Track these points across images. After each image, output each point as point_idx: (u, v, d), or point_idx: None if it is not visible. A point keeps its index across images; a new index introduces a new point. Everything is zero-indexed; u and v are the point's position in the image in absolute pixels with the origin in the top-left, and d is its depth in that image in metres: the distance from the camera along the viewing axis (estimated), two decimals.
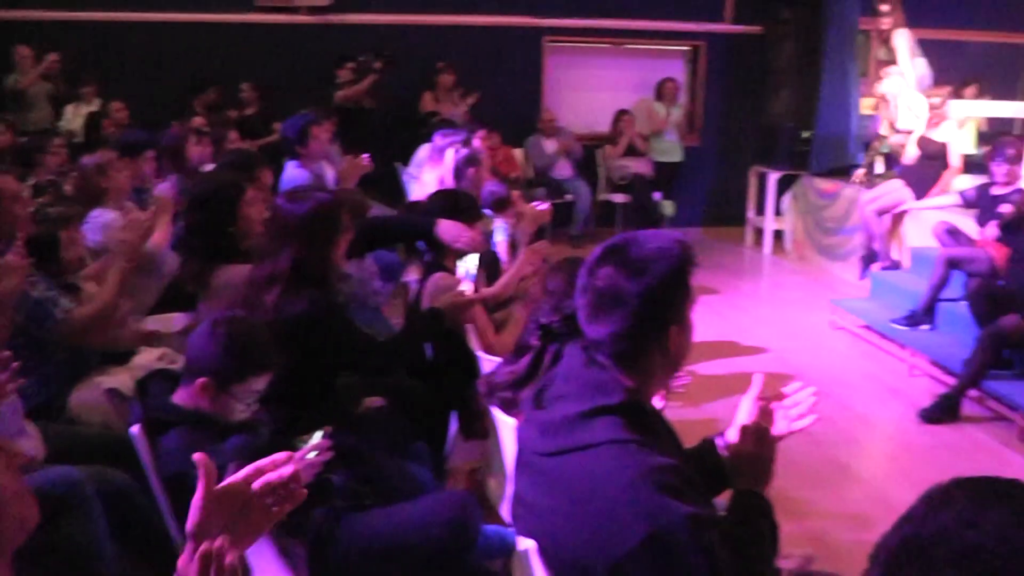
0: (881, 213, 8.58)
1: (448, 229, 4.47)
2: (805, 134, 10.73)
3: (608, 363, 2.19)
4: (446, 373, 4.31)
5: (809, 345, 7.63)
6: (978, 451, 5.76)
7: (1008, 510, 1.23)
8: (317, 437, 2.97)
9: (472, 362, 4.18)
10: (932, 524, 1.24)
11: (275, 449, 2.64)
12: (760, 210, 11.24)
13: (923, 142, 8.61)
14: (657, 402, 3.61)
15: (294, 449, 2.98)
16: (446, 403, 4.32)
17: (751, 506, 2.36)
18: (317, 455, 2.91)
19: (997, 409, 6.14)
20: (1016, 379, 6.18)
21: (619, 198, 11.20)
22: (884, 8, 9.58)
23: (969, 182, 8.17)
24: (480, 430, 4.13)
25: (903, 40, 9.41)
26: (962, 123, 10.55)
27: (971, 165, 8.92)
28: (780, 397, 2.52)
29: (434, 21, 10.93)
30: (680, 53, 12.17)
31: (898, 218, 8.59)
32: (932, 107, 8.60)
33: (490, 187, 6.20)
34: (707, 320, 8.00)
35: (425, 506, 3.23)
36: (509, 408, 3.18)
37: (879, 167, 10.16)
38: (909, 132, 8.80)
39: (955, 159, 8.45)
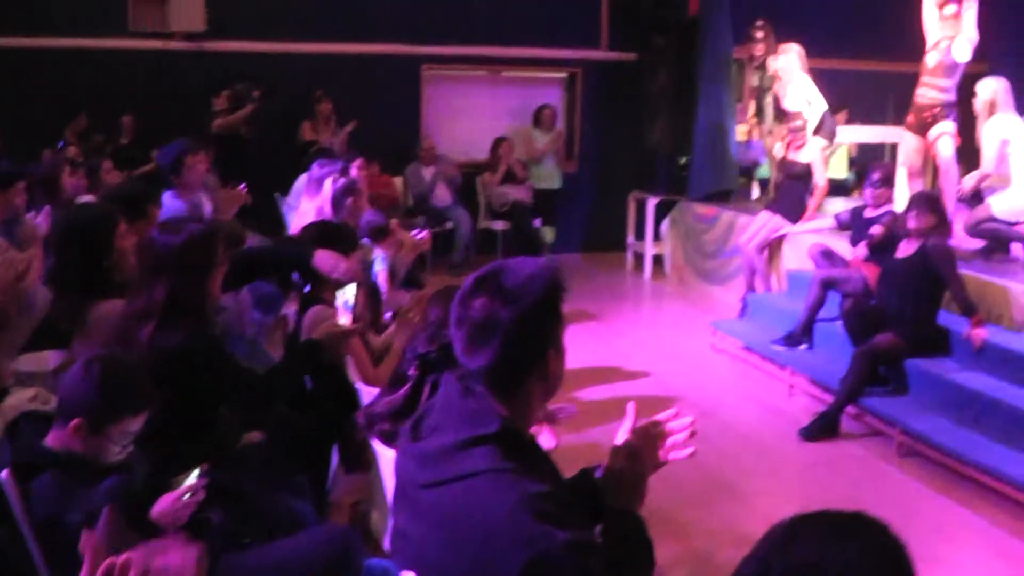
0: (762, 249, 8.73)
1: (324, 260, 4.40)
2: (682, 159, 10.93)
3: (484, 392, 2.19)
4: (326, 405, 4.24)
5: (690, 368, 7.72)
6: (857, 466, 5.89)
7: (857, 544, 1.39)
8: (194, 476, 2.89)
9: (352, 394, 4.12)
10: (787, 558, 1.28)
11: (151, 490, 2.54)
12: (639, 235, 11.38)
13: (786, 164, 8.82)
14: (547, 441, 3.61)
15: (170, 489, 2.89)
16: (326, 436, 4.25)
17: (625, 526, 2.36)
18: (193, 495, 2.82)
19: (874, 425, 6.29)
20: (892, 395, 6.36)
21: (499, 225, 11.22)
22: (758, 35, 9.80)
23: (842, 205, 8.40)
24: (362, 463, 4.07)
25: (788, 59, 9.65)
26: (834, 148, 10.87)
27: (842, 188, 9.18)
28: (657, 425, 2.51)
29: (312, 49, 10.83)
30: (557, 80, 12.29)
31: (775, 244, 8.74)
32: (793, 129, 8.80)
33: (368, 217, 6.15)
34: (588, 346, 8.07)
35: (305, 542, 3.16)
36: (389, 440, 3.14)
37: (755, 192, 10.40)
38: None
39: (820, 179, 8.66)
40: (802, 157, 8.66)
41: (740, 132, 10.56)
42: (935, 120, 7.57)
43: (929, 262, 6.26)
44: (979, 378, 6.03)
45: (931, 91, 7.60)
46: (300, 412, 4.26)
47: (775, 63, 9.19)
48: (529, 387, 2.21)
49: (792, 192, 8.71)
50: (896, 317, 6.36)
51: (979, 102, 7.23)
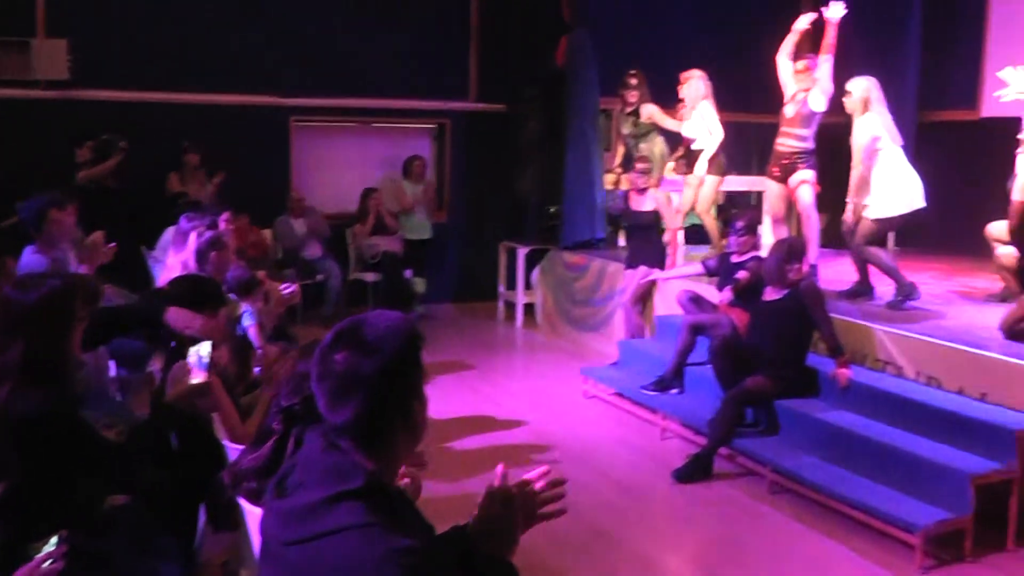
0: (636, 301, 8.82)
1: (177, 317, 4.30)
2: (552, 209, 11.05)
3: (349, 447, 2.17)
4: (192, 464, 4.12)
5: (564, 415, 7.75)
6: (730, 506, 5.98)
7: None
8: (52, 543, 2.76)
9: (218, 450, 4.02)
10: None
11: (7, 560, 2.41)
12: (510, 284, 11.44)
13: (631, 214, 8.92)
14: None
15: (29, 558, 2.76)
16: (193, 495, 4.13)
17: (497, 574, 2.34)
18: (53, 563, 2.70)
19: (746, 465, 6.40)
20: (763, 435, 6.50)
21: (370, 277, 11.13)
22: (632, 82, 9.98)
23: (710, 251, 8.60)
24: (230, 521, 3.95)
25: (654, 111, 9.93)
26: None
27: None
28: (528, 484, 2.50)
29: (179, 99, 10.64)
30: (427, 131, 12.31)
31: (647, 291, 8.85)
32: (633, 179, 8.92)
33: (234, 271, 6.04)
34: (462, 395, 8.06)
35: None
36: (255, 498, 3.06)
37: (623, 240, 10.55)
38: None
39: (671, 223, 8.82)
40: (646, 205, 8.76)
41: (609, 181, 10.74)
42: (795, 168, 7.84)
43: (801, 303, 6.44)
44: (846, 416, 6.21)
45: (790, 140, 7.91)
46: (166, 471, 4.13)
47: (675, 106, 9.44)
48: (395, 438, 2.20)
49: (644, 242, 8.83)
50: (767, 359, 6.50)
51: (852, 100, 7.42)
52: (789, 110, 7.92)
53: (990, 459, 5.36)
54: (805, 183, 7.83)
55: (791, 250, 6.70)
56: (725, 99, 9.40)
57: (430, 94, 11.79)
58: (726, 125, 9.15)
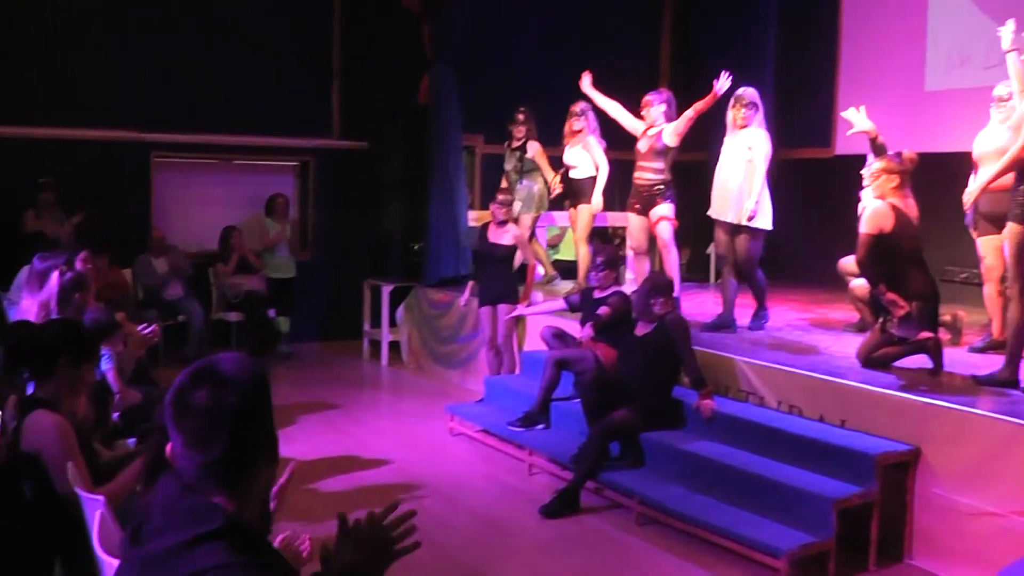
0: (505, 337, 8.75)
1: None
2: (416, 246, 11.00)
3: (207, 487, 2.10)
4: (46, 515, 3.92)
5: (430, 454, 7.65)
6: (598, 538, 5.97)
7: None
8: None
9: (74, 502, 3.82)
10: None
11: None
12: (375, 322, 11.31)
13: (490, 247, 8.78)
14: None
15: None
16: (51, 547, 3.92)
17: None
18: None
19: (614, 498, 6.41)
20: (628, 468, 6.51)
21: (233, 316, 10.90)
22: (520, 118, 10.09)
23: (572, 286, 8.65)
24: (83, 572, 3.76)
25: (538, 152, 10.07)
26: (563, 232, 11.25)
27: (572, 271, 9.49)
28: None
29: (35, 134, 10.25)
30: (290, 168, 12.16)
31: (513, 328, 8.83)
32: (494, 210, 8.85)
33: (91, 313, 5.80)
34: (327, 435, 7.92)
35: None
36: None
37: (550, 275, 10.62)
38: None
39: (528, 257, 8.85)
40: (504, 239, 8.73)
41: (472, 218, 10.75)
42: (655, 201, 8.07)
43: (668, 336, 6.51)
44: (711, 446, 6.27)
45: (647, 173, 8.20)
46: (22, 524, 3.92)
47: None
48: (258, 474, 2.16)
49: (498, 277, 8.73)
50: (636, 393, 6.54)
51: (747, 109, 7.82)
52: (643, 145, 8.23)
53: (851, 483, 5.48)
54: (664, 219, 8.04)
55: (655, 285, 6.78)
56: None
57: (293, 131, 11.67)
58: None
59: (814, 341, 7.51)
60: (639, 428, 6.51)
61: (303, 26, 11.75)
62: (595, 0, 12.62)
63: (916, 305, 6.13)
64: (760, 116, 7.90)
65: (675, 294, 7.45)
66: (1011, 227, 5.77)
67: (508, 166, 10.29)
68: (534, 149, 10.08)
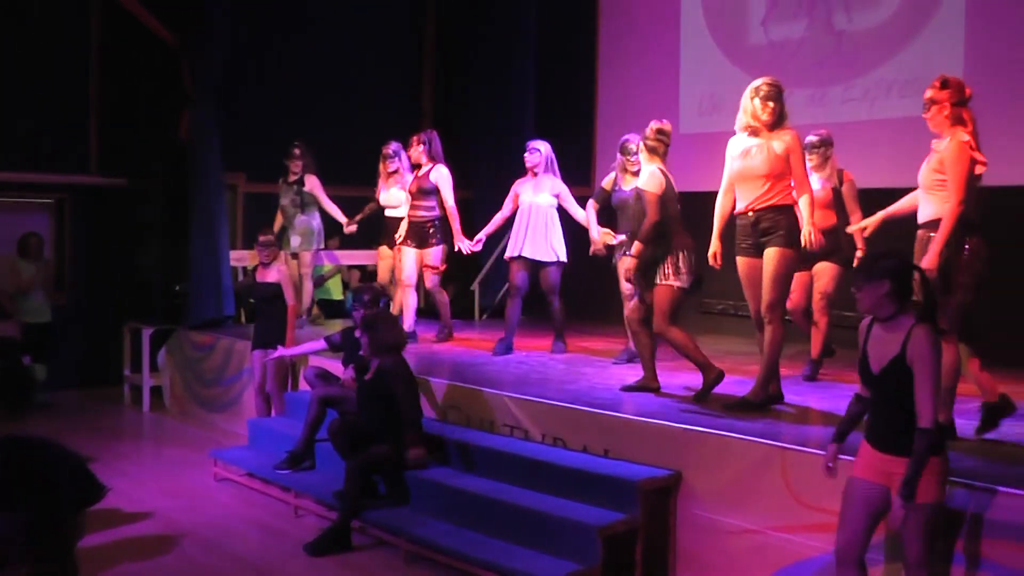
0: (277, 379, 8.60)
1: None
2: (177, 287, 10.68)
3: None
4: None
5: (194, 502, 7.37)
6: None
7: None
8: None
9: None
10: None
11: None
12: (137, 367, 10.85)
13: (257, 288, 8.73)
14: None
15: None
16: None
17: None
18: None
19: (382, 536, 6.33)
20: (393, 506, 6.47)
21: None
22: (296, 152, 10.03)
23: (341, 326, 8.56)
24: None
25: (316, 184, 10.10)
26: (331, 272, 11.16)
27: (340, 310, 9.42)
28: None
29: None
30: (44, 206, 11.54)
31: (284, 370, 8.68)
32: (257, 252, 8.76)
33: None
34: None
35: None
36: None
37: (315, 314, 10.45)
38: None
39: (289, 298, 8.62)
40: (270, 277, 8.61)
41: (236, 258, 10.54)
42: (428, 238, 8.98)
43: (385, 381, 6.54)
44: (477, 481, 6.30)
45: (419, 211, 9.04)
46: None
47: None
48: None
49: (271, 318, 8.56)
50: (376, 433, 6.55)
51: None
52: (413, 186, 9.05)
53: (616, 510, 5.58)
54: (430, 268, 8.82)
55: (364, 323, 6.84)
56: (337, 171, 9.68)
57: (47, 167, 11.10)
58: (355, 199, 9.34)
59: (576, 373, 7.66)
60: (397, 463, 6.47)
61: (59, 55, 11.21)
62: (357, 37, 12.59)
63: (683, 255, 6.69)
64: (552, 164, 8.72)
65: (408, 329, 7.77)
66: (773, 251, 6.10)
67: (285, 200, 10.15)
68: (312, 183, 10.00)
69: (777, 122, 6.20)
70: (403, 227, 9.25)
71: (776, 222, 6.13)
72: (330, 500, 6.66)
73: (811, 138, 7.35)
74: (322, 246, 10.26)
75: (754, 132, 6.23)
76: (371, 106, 12.41)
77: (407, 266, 9.07)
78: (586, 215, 8.37)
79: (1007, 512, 4.36)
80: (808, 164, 6.91)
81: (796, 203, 6.18)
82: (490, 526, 5.89)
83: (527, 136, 10.95)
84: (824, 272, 7.36)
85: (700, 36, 10.70)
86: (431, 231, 9.00)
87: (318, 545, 6.15)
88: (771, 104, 6.17)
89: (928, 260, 5.19)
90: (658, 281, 6.69)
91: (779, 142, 6.15)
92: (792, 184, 6.19)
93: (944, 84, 5.50)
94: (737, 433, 5.56)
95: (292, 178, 10.13)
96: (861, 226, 6.43)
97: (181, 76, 10.55)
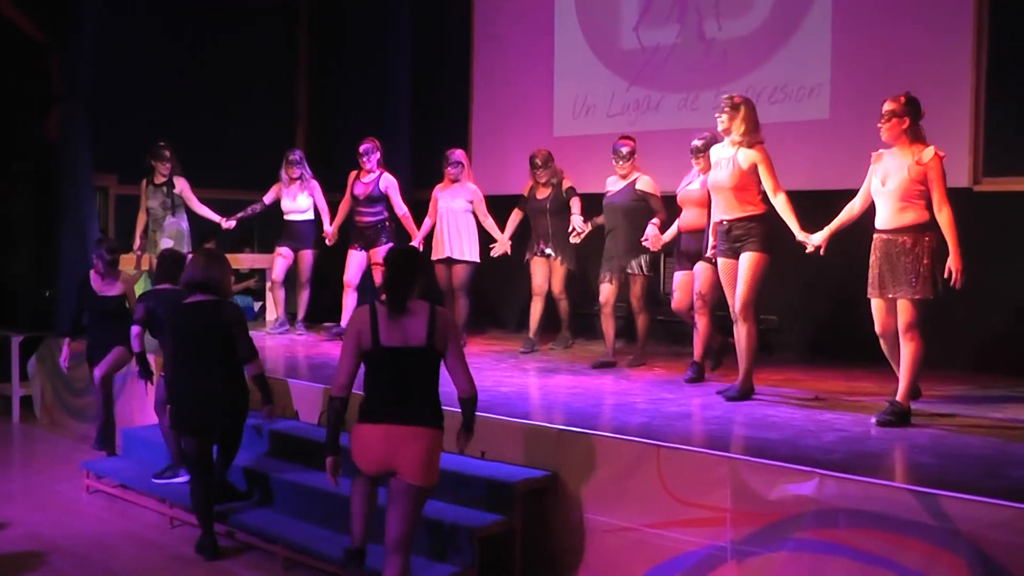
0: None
1: None
2: (47, 293, 10.40)
3: None
4: None
5: (64, 515, 7.15)
6: None
7: None
8: None
9: None
10: None
11: None
12: (5, 376, 10.55)
13: (99, 300, 8.45)
14: None
15: None
16: None
17: None
18: None
19: (251, 541, 6.28)
20: (259, 507, 6.48)
21: None
22: (166, 153, 9.90)
23: None
24: None
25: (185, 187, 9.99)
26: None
27: None
28: None
29: None
30: None
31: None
32: (95, 263, 8.56)
33: None
34: None
35: None
36: None
37: None
38: None
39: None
40: (114, 290, 8.41)
41: (128, 262, 10.34)
42: (377, 240, 9.64)
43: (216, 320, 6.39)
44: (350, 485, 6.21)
45: (366, 216, 9.68)
46: None
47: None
48: None
49: (111, 331, 8.30)
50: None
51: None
52: (361, 191, 9.65)
53: (492, 512, 5.60)
54: (379, 266, 9.06)
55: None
56: (208, 174, 9.61)
57: None
58: (228, 202, 9.25)
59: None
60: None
61: None
62: (230, 37, 12.42)
63: None
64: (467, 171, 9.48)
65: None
66: (751, 256, 6.58)
67: (154, 203, 9.95)
68: (182, 184, 9.89)
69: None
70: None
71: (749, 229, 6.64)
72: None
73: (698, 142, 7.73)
74: (191, 249, 10.07)
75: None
76: (244, 108, 12.28)
77: (352, 268, 9.79)
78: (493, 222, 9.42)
79: (868, 503, 4.52)
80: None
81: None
82: (370, 531, 5.85)
83: (401, 139, 11.04)
84: (700, 273, 7.56)
85: (574, 40, 10.80)
86: (381, 232, 9.68)
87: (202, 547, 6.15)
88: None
89: (957, 260, 5.78)
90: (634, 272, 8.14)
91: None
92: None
93: (909, 101, 5.91)
94: (612, 432, 5.64)
95: (160, 180, 9.96)
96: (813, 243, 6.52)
97: (50, 74, 10.27)
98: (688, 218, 7.77)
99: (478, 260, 9.39)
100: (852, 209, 6.27)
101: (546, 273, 9.29)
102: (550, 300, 9.41)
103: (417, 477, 4.69)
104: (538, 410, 6.38)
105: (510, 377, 7.68)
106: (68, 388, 9.83)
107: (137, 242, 10.22)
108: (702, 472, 5.09)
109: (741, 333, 6.66)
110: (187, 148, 10.01)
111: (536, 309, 9.33)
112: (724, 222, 6.71)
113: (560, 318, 9.61)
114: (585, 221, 8.76)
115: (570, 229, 8.77)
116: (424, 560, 5.46)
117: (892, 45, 8.57)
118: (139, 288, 11.14)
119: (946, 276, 5.82)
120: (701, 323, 7.53)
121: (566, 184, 9.22)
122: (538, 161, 9.19)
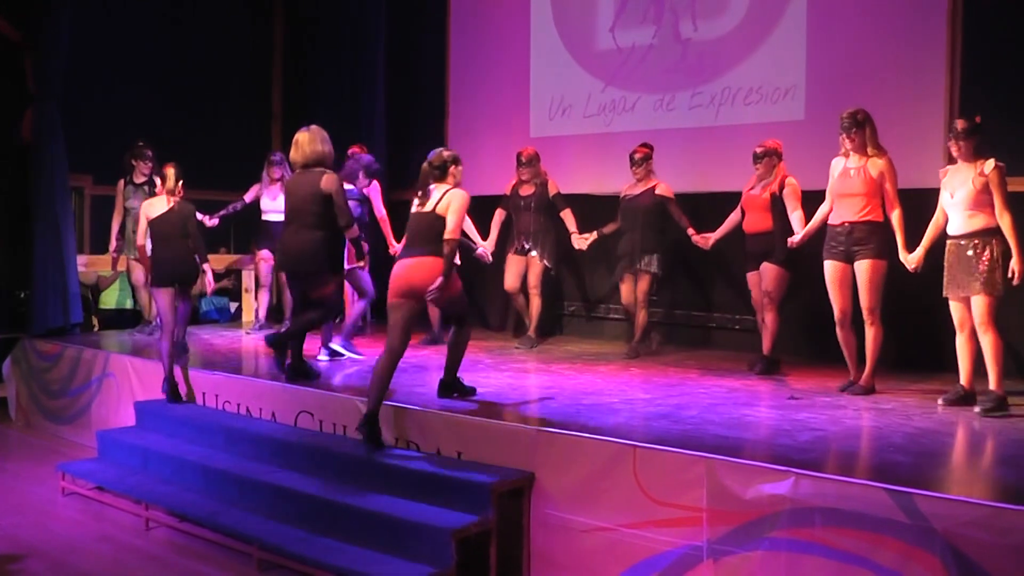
0: None
1: None
2: (22, 294, 10.32)
3: None
4: None
5: (39, 517, 7.11)
6: None
7: None
8: None
9: None
10: None
11: None
12: None
13: None
14: None
15: None
16: None
17: None
18: None
19: (227, 543, 6.25)
20: (233, 508, 6.46)
21: None
22: (149, 153, 10.04)
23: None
24: None
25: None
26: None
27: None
28: None
29: None
30: None
31: None
32: None
33: None
34: None
35: None
36: None
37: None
38: None
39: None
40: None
41: (103, 263, 10.36)
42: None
43: None
44: (326, 486, 6.25)
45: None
46: None
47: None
48: None
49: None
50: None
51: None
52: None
53: (469, 513, 5.59)
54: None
55: None
56: (192, 175, 9.55)
57: None
58: (194, 203, 9.24)
59: (428, 378, 7.60)
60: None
61: None
62: (206, 37, 12.41)
63: None
64: None
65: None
66: (867, 263, 6.97)
67: (134, 202, 9.93)
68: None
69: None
70: None
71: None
72: (181, 511, 6.57)
73: (757, 149, 8.07)
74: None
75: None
76: (220, 108, 12.25)
77: None
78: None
79: (844, 502, 4.55)
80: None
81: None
82: (343, 532, 5.85)
83: (378, 141, 11.05)
84: (766, 272, 8.00)
85: (551, 40, 10.81)
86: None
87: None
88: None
89: (1020, 261, 6.27)
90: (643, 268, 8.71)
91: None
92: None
93: (974, 123, 6.47)
94: (588, 433, 5.65)
95: (141, 179, 10.01)
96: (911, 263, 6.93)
97: (24, 74, 10.19)
98: (752, 221, 8.12)
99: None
100: (936, 223, 6.76)
101: (519, 271, 9.42)
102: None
103: None
104: (515, 410, 6.37)
105: (487, 378, 7.69)
106: (43, 390, 9.77)
107: (113, 243, 10.20)
108: (678, 472, 5.12)
109: (870, 335, 7.07)
110: (162, 148, 9.95)
111: (520, 303, 9.70)
112: (846, 224, 7.06)
113: (530, 314, 9.66)
114: (591, 232, 9.18)
115: (577, 247, 9.26)
116: (403, 562, 5.46)
117: (867, 47, 8.61)
118: (114, 291, 11.18)
119: (1009, 276, 6.30)
120: (769, 319, 7.99)
121: (552, 189, 9.48)
122: (523, 158, 9.45)
